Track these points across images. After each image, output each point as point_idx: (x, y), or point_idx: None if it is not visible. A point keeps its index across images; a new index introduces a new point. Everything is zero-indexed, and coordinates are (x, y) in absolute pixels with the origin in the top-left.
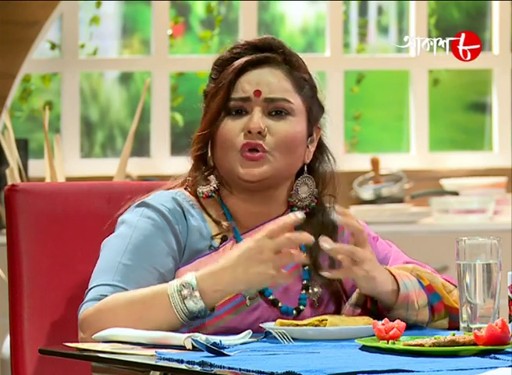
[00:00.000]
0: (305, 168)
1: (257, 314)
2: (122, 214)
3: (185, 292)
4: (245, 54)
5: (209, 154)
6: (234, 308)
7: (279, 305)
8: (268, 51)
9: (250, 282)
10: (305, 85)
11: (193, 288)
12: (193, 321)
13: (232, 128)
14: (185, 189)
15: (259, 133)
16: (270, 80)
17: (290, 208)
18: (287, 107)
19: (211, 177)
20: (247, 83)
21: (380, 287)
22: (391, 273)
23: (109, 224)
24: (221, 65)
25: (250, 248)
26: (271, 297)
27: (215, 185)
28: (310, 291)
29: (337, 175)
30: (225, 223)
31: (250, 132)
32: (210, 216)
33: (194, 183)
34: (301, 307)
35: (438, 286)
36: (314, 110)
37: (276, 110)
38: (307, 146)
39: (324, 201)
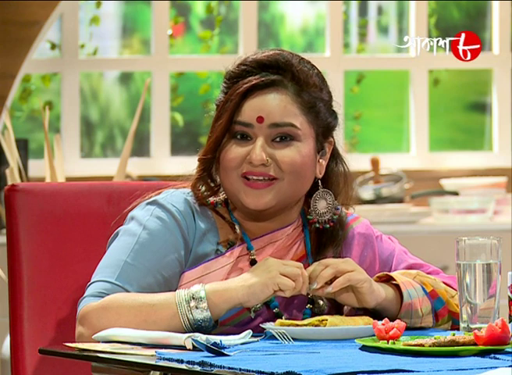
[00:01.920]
0: (319, 182)
1: (259, 321)
2: (131, 210)
3: (193, 304)
4: (253, 72)
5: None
6: (237, 315)
7: (283, 318)
8: (276, 70)
9: (254, 291)
10: (315, 103)
11: (201, 300)
12: (195, 331)
13: (235, 156)
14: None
15: (262, 164)
16: (274, 107)
17: (310, 224)
18: (292, 132)
19: (220, 190)
20: (251, 109)
21: (381, 299)
22: (394, 284)
23: (112, 225)
24: (230, 79)
25: (258, 265)
26: (275, 310)
27: (222, 198)
28: (315, 304)
29: (351, 183)
30: (238, 228)
31: (251, 163)
32: (224, 218)
33: (201, 197)
34: None
35: (441, 291)
36: (326, 126)
37: (281, 136)
38: (318, 161)
39: (341, 211)
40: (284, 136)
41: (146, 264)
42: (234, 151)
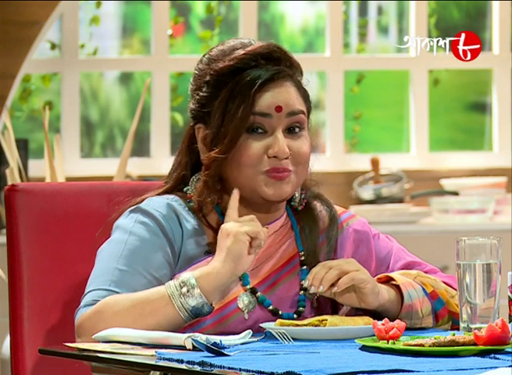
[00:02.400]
0: None
1: (255, 318)
2: (116, 218)
3: (184, 290)
4: (248, 63)
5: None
6: (232, 313)
7: (280, 313)
8: (275, 61)
9: (234, 254)
10: (307, 91)
11: (192, 286)
12: (194, 317)
13: (255, 151)
14: (179, 193)
15: (285, 158)
16: (287, 96)
17: (294, 209)
18: (302, 120)
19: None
20: (267, 100)
21: (384, 301)
22: (394, 285)
23: (104, 227)
24: (219, 73)
25: (219, 237)
26: (270, 307)
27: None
28: (307, 290)
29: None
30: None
31: (275, 157)
32: (208, 223)
33: (203, 203)
34: (301, 308)
35: (441, 291)
36: (309, 113)
37: (291, 127)
38: None
39: (310, 187)
40: (293, 127)
41: (137, 267)
42: (252, 147)
